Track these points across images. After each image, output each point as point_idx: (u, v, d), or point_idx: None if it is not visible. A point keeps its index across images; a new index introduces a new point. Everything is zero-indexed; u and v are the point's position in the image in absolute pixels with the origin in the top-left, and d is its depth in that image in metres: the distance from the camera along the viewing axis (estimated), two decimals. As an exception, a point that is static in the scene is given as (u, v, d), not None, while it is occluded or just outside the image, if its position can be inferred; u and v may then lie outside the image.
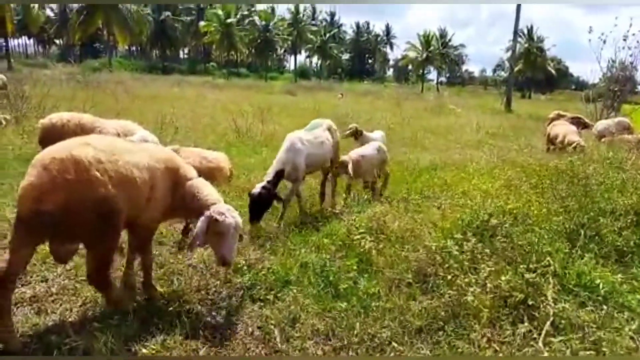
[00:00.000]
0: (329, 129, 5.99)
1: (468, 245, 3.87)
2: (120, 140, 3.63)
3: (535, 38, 59.66)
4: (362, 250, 4.13)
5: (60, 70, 34.02)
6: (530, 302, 3.30)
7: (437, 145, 11.85)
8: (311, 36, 66.46)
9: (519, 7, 29.75)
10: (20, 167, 7.00)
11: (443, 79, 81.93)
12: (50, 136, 4.81)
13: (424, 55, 59.86)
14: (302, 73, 71.09)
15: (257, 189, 4.93)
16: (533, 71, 59.83)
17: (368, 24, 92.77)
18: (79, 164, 2.80)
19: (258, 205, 4.85)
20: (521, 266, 3.64)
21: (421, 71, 64.09)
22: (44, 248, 4.12)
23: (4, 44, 43.25)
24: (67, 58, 62.12)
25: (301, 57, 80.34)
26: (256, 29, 59.08)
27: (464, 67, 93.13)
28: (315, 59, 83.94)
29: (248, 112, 15.27)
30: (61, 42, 71.91)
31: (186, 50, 78.38)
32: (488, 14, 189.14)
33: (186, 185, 3.50)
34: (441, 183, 7.07)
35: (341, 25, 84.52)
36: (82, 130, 4.83)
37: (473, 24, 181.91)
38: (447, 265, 3.66)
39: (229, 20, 52.83)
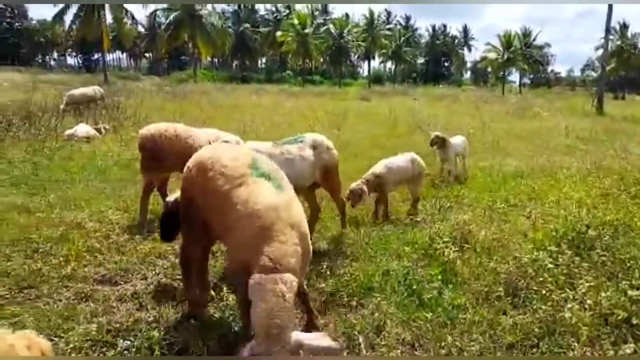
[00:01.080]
0: (314, 146, 4.76)
1: (563, 258, 3.66)
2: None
3: (630, 35, 54.93)
4: (445, 260, 4.03)
5: (150, 82, 36.63)
6: (634, 321, 3.06)
7: (522, 150, 11.25)
8: (385, 41, 65.96)
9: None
10: (119, 172, 7.61)
11: (526, 80, 77.89)
12: (149, 144, 5.19)
13: (505, 56, 57.11)
14: (376, 78, 70.80)
15: (171, 197, 3.60)
16: (627, 70, 55.09)
17: (445, 26, 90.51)
18: (190, 161, 3.22)
19: (168, 220, 3.49)
20: (623, 282, 3.39)
21: (502, 73, 61.29)
22: (144, 248, 4.47)
23: (101, 58, 47.31)
24: (155, 70, 66.98)
25: (375, 63, 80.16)
26: (331, 37, 59.77)
27: (549, 68, 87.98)
28: (389, 64, 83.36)
29: (324, 119, 15.50)
30: (151, 55, 77.42)
31: (264, 60, 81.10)
32: (574, 11, 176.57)
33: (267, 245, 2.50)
34: (529, 191, 6.73)
35: (416, 29, 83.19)
36: (177, 138, 5.17)
37: (558, 22, 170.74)
38: (540, 279, 3.47)
39: (305, 30, 53.94)
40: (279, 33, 57.44)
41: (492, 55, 59.33)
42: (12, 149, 8.31)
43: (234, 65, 73.87)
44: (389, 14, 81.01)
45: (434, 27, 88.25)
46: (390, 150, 10.66)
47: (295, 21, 55.20)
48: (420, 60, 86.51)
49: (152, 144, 5.13)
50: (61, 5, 36.99)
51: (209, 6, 47.16)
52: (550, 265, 3.54)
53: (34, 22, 73.86)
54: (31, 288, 3.68)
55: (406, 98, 34.25)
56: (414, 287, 3.68)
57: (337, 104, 25.18)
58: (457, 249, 4.14)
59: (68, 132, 10.16)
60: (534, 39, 62.58)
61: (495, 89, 61.92)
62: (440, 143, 7.72)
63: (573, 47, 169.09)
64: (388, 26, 73.83)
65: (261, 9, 73.08)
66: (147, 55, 78.99)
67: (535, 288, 3.47)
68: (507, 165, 8.99)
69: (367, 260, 4.25)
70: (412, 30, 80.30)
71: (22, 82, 28.13)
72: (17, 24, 72.98)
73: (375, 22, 66.94)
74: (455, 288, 3.72)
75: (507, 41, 57.01)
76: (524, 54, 58.63)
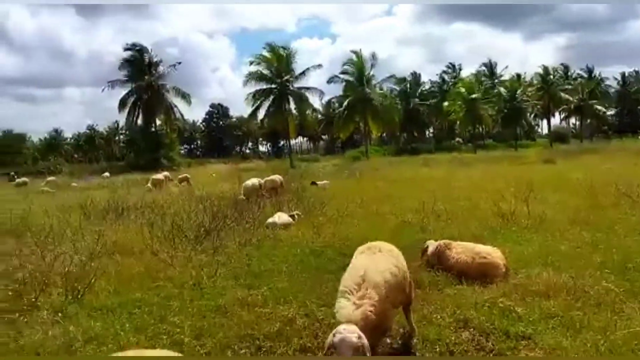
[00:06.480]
0: None
1: None
2: None
3: None
4: None
5: (329, 162, 39.88)
6: None
7: None
8: (566, 96, 60.82)
9: None
10: (315, 261, 8.07)
11: None
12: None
13: None
14: (558, 136, 64.90)
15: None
16: None
17: (636, 72, 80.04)
18: None
19: None
20: None
21: None
22: None
23: (286, 144, 53.52)
24: (331, 150, 72.85)
25: (555, 120, 73.97)
26: (502, 100, 57.76)
27: None
28: (572, 120, 75.99)
29: (505, 190, 14.41)
30: (327, 137, 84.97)
31: (431, 129, 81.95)
32: None
33: None
34: None
35: (602, 79, 74.65)
36: (379, 251, 5.30)
37: None
38: None
39: (473, 96, 53.27)
40: (445, 103, 57.90)
41: None
42: (228, 241, 9.63)
43: (402, 137, 75.91)
44: (566, 68, 74.93)
45: (623, 75, 78.67)
46: (596, 227, 9.24)
47: (462, 89, 55.07)
48: (611, 112, 77.03)
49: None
50: (256, 104, 43.77)
51: (378, 89, 50.54)
52: None
53: (233, 119, 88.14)
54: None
55: (599, 156, 30.26)
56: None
57: (517, 170, 23.50)
58: None
59: (269, 220, 11.29)
60: None
61: None
62: None
63: None
64: (567, 80, 68.26)
65: (427, 82, 74.93)
66: (323, 137, 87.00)
67: None
68: None
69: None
70: (598, 81, 72.35)
71: (227, 172, 33.20)
72: (221, 122, 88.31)
73: (552, 77, 62.65)
74: None
75: None
76: None
